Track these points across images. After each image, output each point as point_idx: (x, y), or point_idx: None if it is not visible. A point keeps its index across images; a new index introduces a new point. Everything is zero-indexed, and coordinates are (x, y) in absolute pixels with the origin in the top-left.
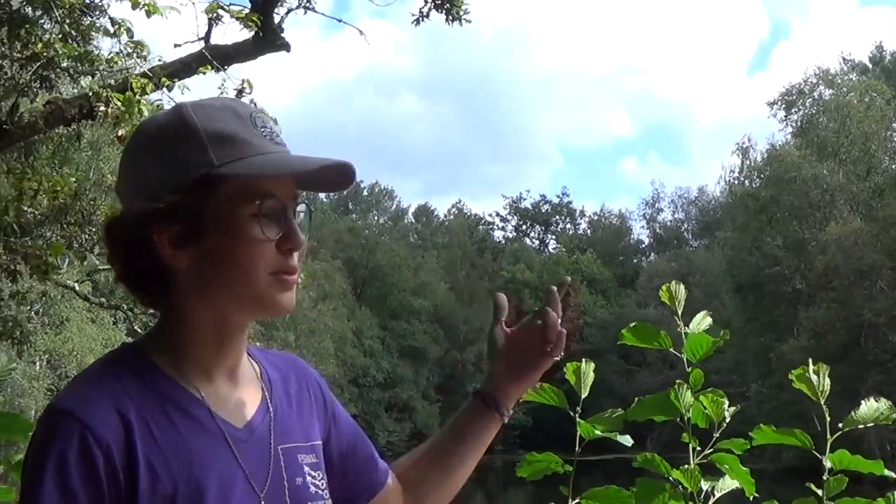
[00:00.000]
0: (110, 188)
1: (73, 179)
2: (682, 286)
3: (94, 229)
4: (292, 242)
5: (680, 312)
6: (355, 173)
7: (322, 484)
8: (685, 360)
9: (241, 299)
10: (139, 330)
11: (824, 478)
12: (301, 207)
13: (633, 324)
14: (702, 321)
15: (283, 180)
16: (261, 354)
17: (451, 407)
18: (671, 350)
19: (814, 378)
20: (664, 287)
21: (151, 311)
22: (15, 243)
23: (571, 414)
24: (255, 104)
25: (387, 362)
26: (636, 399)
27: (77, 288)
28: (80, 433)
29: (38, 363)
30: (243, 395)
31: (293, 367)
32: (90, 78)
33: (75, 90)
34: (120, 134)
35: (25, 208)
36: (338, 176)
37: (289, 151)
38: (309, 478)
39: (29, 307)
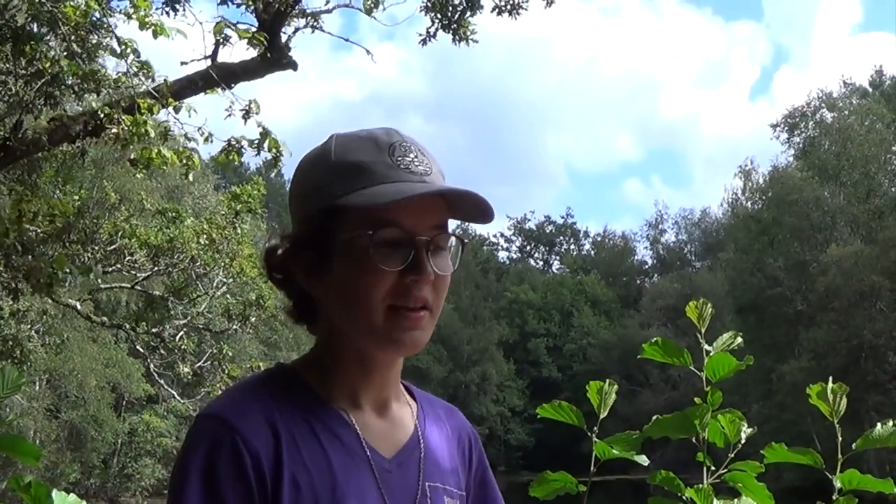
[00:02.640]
0: (114, 207)
1: (77, 198)
2: (709, 305)
3: (96, 248)
4: (416, 273)
5: (703, 331)
6: (488, 203)
7: None
8: (704, 378)
9: (362, 331)
10: (141, 349)
11: (834, 497)
12: (448, 239)
13: (655, 339)
14: (728, 341)
15: (414, 209)
16: (422, 395)
17: None
18: (692, 368)
19: (831, 397)
20: (691, 304)
21: (154, 330)
22: (16, 261)
23: (588, 434)
24: (262, 126)
25: None
26: (653, 417)
27: (79, 307)
28: (230, 438)
29: (37, 383)
30: (394, 427)
31: (452, 415)
32: (95, 96)
33: (80, 107)
34: (132, 157)
35: (27, 225)
36: (478, 206)
37: (427, 180)
38: None
39: (29, 326)
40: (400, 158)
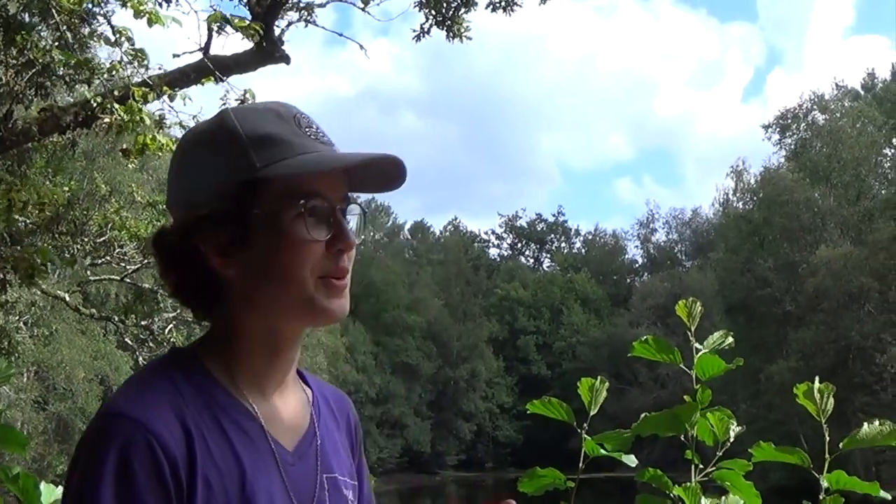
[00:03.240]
0: (104, 198)
1: (66, 189)
2: (698, 304)
3: (86, 239)
4: (342, 242)
5: (693, 329)
6: (405, 168)
7: None
8: (694, 377)
9: (290, 306)
10: (130, 342)
11: (821, 497)
12: (353, 208)
13: (646, 337)
14: (719, 340)
15: (330, 179)
16: (314, 381)
17: (443, 424)
18: (682, 366)
19: (817, 396)
20: (681, 303)
21: (143, 322)
22: (4, 252)
23: (578, 430)
24: None
25: (379, 378)
26: (641, 415)
27: (67, 298)
28: (146, 441)
29: (25, 375)
30: (294, 417)
31: (344, 404)
32: (87, 86)
33: (71, 98)
34: (124, 146)
35: (17, 216)
36: (387, 174)
37: (336, 150)
38: None
39: (17, 317)
40: (307, 128)
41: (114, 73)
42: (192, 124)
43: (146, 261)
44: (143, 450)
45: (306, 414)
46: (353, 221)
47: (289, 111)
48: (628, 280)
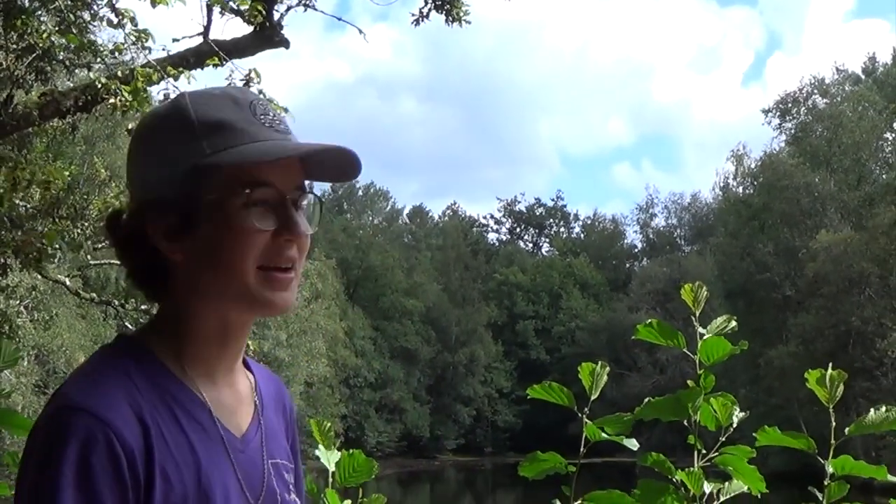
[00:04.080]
0: (104, 183)
1: (67, 174)
2: (703, 288)
3: (86, 224)
4: (290, 232)
5: (697, 314)
6: (358, 160)
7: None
8: (697, 361)
9: (232, 295)
10: (130, 326)
11: (826, 483)
12: (308, 198)
13: (650, 321)
14: (723, 325)
15: (281, 169)
16: (255, 366)
17: (442, 409)
18: (685, 351)
19: (828, 383)
20: (686, 286)
21: (143, 306)
22: (5, 236)
23: (579, 415)
24: (263, 94)
25: (378, 363)
26: (644, 400)
27: (68, 283)
28: (105, 436)
29: (26, 359)
30: (240, 404)
31: (280, 389)
32: (87, 70)
33: (71, 83)
34: (130, 127)
35: (18, 201)
36: (342, 164)
37: (290, 139)
38: (293, 495)
39: (18, 301)
40: (263, 116)
41: (117, 54)
42: None
43: None
44: (103, 446)
45: (251, 402)
46: (307, 212)
47: (245, 98)
48: (627, 265)
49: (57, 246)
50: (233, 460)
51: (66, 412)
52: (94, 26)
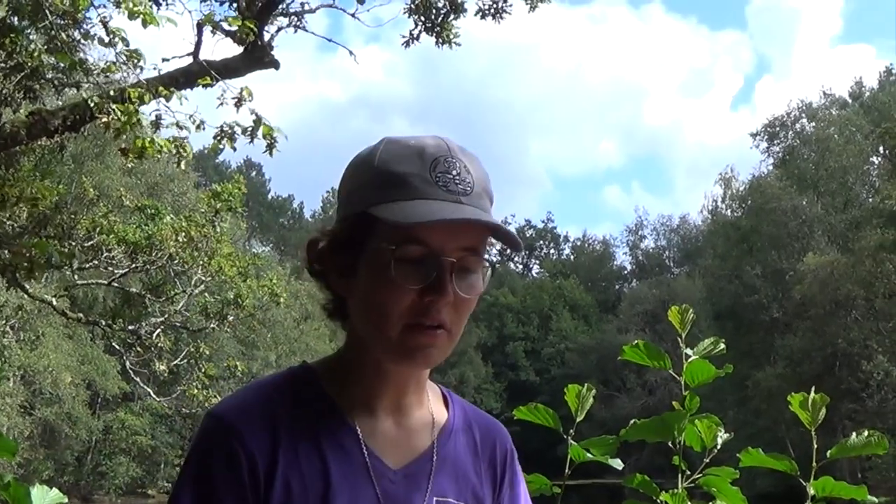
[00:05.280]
0: (92, 202)
1: (55, 193)
2: (690, 310)
3: (73, 243)
4: (436, 293)
5: (684, 335)
6: (508, 233)
7: None
8: (683, 383)
9: (378, 343)
10: (117, 346)
11: None
12: (478, 263)
13: (637, 342)
14: (709, 347)
15: (441, 228)
16: (459, 405)
17: None
18: (671, 372)
19: (811, 407)
20: (673, 309)
21: (131, 327)
22: None
23: (565, 436)
24: (255, 114)
25: None
26: (630, 422)
27: (54, 303)
28: (226, 438)
29: (11, 379)
30: (408, 437)
31: (489, 429)
32: (76, 90)
33: (60, 102)
34: (123, 146)
35: (5, 220)
36: (504, 234)
37: (461, 201)
38: None
39: (4, 321)
40: (441, 175)
41: (109, 73)
42: (188, 124)
43: (134, 265)
44: (225, 450)
45: (427, 436)
46: (473, 274)
47: (435, 152)
48: (617, 286)
49: (49, 255)
50: (377, 487)
51: (206, 419)
52: (84, 45)
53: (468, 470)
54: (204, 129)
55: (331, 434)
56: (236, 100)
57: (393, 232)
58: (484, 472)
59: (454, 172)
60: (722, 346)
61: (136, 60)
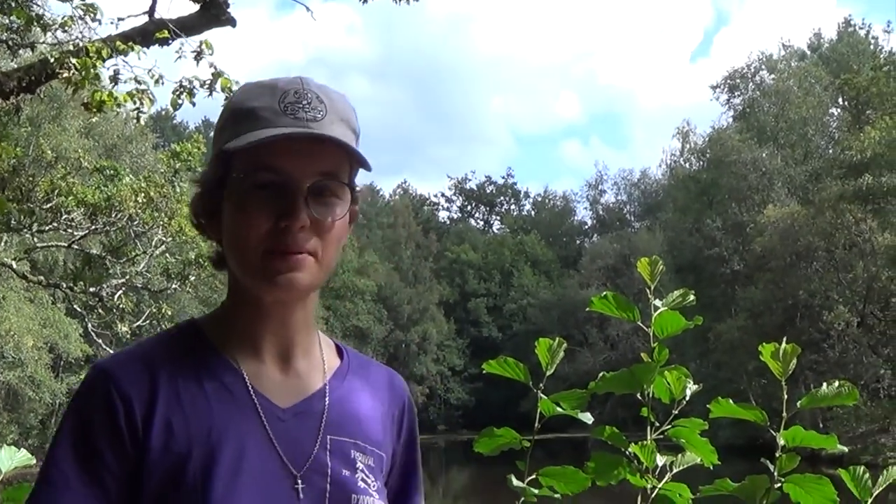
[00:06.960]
0: (50, 164)
1: (12, 156)
2: (660, 262)
3: (32, 206)
4: (287, 218)
5: (653, 288)
6: (355, 151)
7: (375, 486)
8: (652, 335)
9: (243, 274)
10: (79, 308)
11: (777, 455)
12: (338, 187)
13: (605, 293)
14: (678, 298)
15: (295, 155)
16: (355, 357)
17: None
18: (639, 324)
19: (782, 357)
20: (643, 260)
21: (92, 289)
22: None
23: (533, 390)
24: (214, 67)
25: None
26: (599, 375)
27: (14, 266)
28: (103, 383)
29: None
30: (298, 379)
31: (389, 380)
32: (31, 50)
33: (14, 64)
34: (85, 101)
35: None
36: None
37: (309, 126)
38: (361, 475)
39: None
40: (290, 104)
41: (66, 28)
42: (147, 78)
43: (94, 227)
44: (101, 397)
45: (317, 380)
46: (333, 199)
47: (286, 86)
48: (578, 241)
49: (7, 212)
50: (268, 428)
51: (87, 372)
52: (38, 5)
53: (365, 412)
54: (163, 83)
55: (215, 378)
56: (196, 53)
57: (244, 162)
58: (383, 416)
59: (304, 102)
60: (692, 297)
61: (92, 14)
